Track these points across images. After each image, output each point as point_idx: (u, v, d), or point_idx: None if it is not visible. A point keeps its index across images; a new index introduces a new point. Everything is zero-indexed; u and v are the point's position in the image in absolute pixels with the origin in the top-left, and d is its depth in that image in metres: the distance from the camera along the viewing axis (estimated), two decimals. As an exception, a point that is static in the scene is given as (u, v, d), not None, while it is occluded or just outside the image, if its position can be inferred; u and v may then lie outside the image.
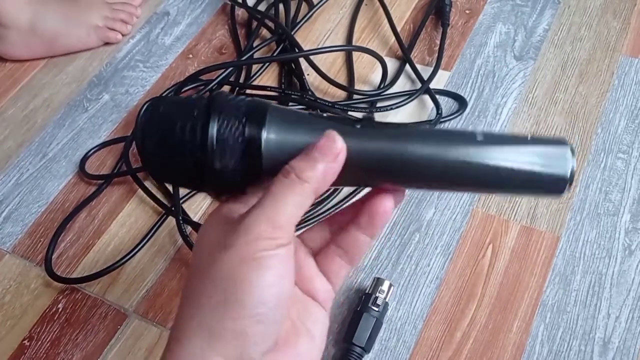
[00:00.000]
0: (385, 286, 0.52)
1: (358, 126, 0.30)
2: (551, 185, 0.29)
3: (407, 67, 0.70)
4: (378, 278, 0.52)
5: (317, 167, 0.28)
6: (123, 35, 0.75)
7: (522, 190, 0.30)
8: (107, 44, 0.75)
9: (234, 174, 0.29)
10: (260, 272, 0.27)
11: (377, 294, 0.51)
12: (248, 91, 0.68)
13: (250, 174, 0.29)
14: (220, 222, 0.30)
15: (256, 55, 0.71)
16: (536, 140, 0.30)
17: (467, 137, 0.29)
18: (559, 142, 0.29)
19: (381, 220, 0.31)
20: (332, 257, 0.33)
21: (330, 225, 0.34)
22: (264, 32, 0.74)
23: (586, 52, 0.70)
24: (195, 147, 0.28)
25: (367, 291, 0.52)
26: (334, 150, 0.28)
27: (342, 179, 0.30)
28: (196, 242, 0.31)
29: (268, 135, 0.29)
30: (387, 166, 0.29)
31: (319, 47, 0.72)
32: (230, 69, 0.68)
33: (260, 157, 0.29)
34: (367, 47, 0.72)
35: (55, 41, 0.74)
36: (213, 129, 0.28)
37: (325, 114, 0.29)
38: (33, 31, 0.72)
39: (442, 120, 0.65)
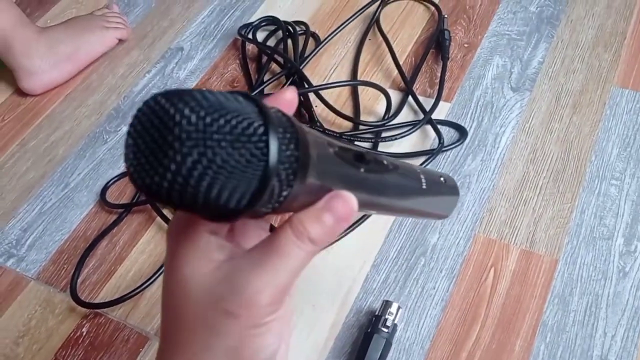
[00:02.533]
0: (393, 308, 0.55)
1: (362, 170, 0.30)
2: (441, 217, 0.45)
3: (410, 98, 0.74)
4: (387, 301, 0.55)
5: (332, 233, 0.28)
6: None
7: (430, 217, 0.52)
8: (125, 77, 0.79)
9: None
10: (263, 337, 0.27)
11: (387, 316, 0.54)
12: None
13: (280, 204, 0.26)
14: (207, 259, 0.27)
15: (267, 89, 0.75)
16: (447, 190, 0.42)
17: (417, 185, 0.37)
18: (456, 192, 0.44)
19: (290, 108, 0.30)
20: None
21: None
22: (274, 66, 0.78)
23: (579, 84, 0.74)
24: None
25: (376, 313, 0.55)
26: (350, 217, 0.28)
27: None
28: (178, 279, 0.27)
29: (312, 165, 0.26)
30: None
31: (327, 82, 0.76)
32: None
33: (300, 188, 0.26)
34: (372, 80, 0.76)
35: (78, 51, 0.79)
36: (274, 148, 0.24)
37: (337, 144, 0.29)
38: (55, 53, 0.77)
39: (443, 149, 0.68)
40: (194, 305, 0.27)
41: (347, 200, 0.28)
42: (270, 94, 0.73)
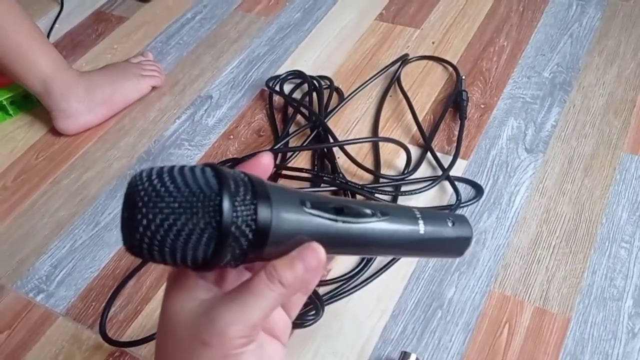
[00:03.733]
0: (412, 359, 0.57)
1: (340, 222, 0.33)
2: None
3: (429, 154, 0.77)
4: (405, 352, 0.57)
5: (302, 280, 0.31)
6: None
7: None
8: (156, 122, 0.83)
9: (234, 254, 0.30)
10: None
11: (405, 367, 0.56)
12: (284, 172, 0.75)
13: (246, 255, 0.30)
14: (191, 298, 0.31)
15: (291, 141, 0.78)
16: (454, 232, 0.41)
17: (413, 232, 0.37)
18: (467, 233, 0.41)
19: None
20: None
21: None
22: (299, 117, 0.82)
23: (590, 148, 0.77)
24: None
25: (395, 364, 0.57)
26: (319, 267, 0.32)
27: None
28: (167, 315, 0.32)
29: (275, 221, 0.30)
30: (349, 251, 0.36)
31: (352, 138, 0.79)
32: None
33: (265, 242, 0.30)
34: (392, 135, 0.79)
35: (114, 96, 0.83)
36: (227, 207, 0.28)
37: (311, 200, 0.33)
38: (92, 96, 0.81)
39: (461, 205, 0.71)
40: (178, 335, 0.31)
41: (317, 252, 0.32)
42: (293, 150, 0.77)
